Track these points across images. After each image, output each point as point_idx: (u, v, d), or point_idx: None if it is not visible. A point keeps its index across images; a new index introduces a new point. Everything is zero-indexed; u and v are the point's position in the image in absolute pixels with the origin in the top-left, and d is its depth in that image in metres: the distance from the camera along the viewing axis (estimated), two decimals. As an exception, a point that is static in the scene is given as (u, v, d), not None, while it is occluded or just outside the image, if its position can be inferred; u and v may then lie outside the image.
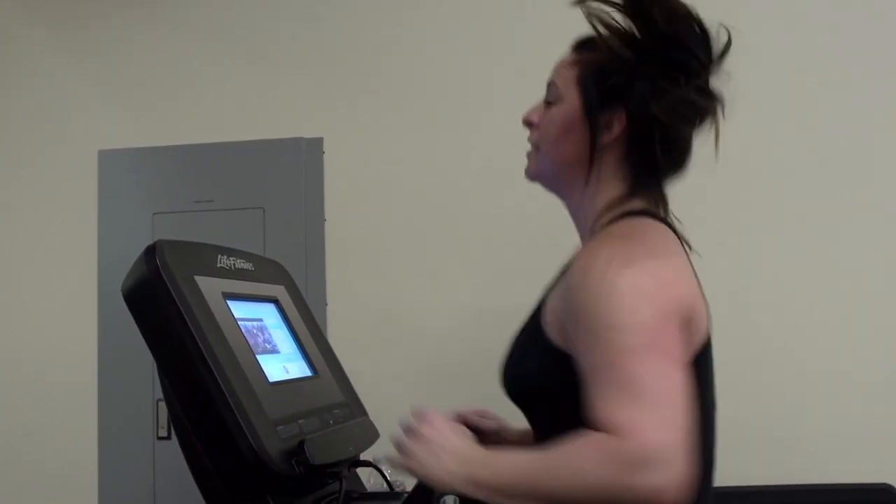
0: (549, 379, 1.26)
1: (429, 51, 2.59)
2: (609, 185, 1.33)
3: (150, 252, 1.19)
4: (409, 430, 1.20)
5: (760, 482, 2.15)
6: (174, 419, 1.25)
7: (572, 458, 1.08)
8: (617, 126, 1.31)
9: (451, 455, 1.16)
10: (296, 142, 2.57)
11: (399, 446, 1.19)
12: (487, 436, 1.64)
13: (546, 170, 1.40)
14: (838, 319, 2.34)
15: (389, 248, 2.56)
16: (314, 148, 2.58)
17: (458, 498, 1.20)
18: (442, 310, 2.49)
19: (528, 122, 1.42)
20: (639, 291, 1.15)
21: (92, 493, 2.55)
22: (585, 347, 1.15)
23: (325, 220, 2.57)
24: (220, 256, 1.36)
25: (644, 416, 1.05)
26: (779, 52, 2.40)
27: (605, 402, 1.08)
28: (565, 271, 1.30)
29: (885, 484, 2.21)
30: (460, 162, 2.53)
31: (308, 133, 2.59)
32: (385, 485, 1.52)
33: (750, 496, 2.15)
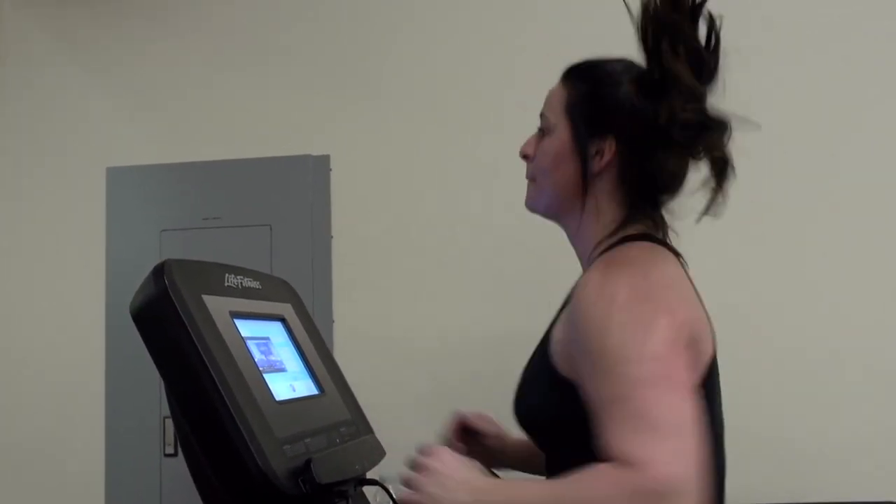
0: (558, 410, 1.27)
1: (437, 70, 2.60)
2: (606, 212, 1.34)
3: (159, 272, 1.20)
4: (416, 466, 1.21)
5: (763, 500, 2.14)
6: (181, 437, 1.25)
7: (584, 491, 1.08)
8: (608, 152, 1.32)
9: (461, 485, 1.17)
10: (303, 159, 2.59)
11: (408, 482, 1.20)
12: (487, 439, 1.64)
13: (543, 200, 1.42)
14: (844, 335, 2.33)
15: (396, 265, 2.56)
16: (321, 165, 2.59)
17: None
18: (450, 327, 2.49)
19: (524, 156, 1.45)
20: (644, 321, 1.15)
21: (99, 510, 2.56)
22: (594, 379, 1.15)
23: (332, 237, 2.58)
24: (227, 275, 1.36)
25: (657, 448, 1.05)
26: (779, 53, 2.40)
27: (618, 435, 1.08)
28: (569, 300, 1.31)
29: (890, 503, 2.20)
30: (468, 180, 2.54)
31: (315, 151, 2.60)
32: (391, 503, 1.51)
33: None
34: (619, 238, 1.31)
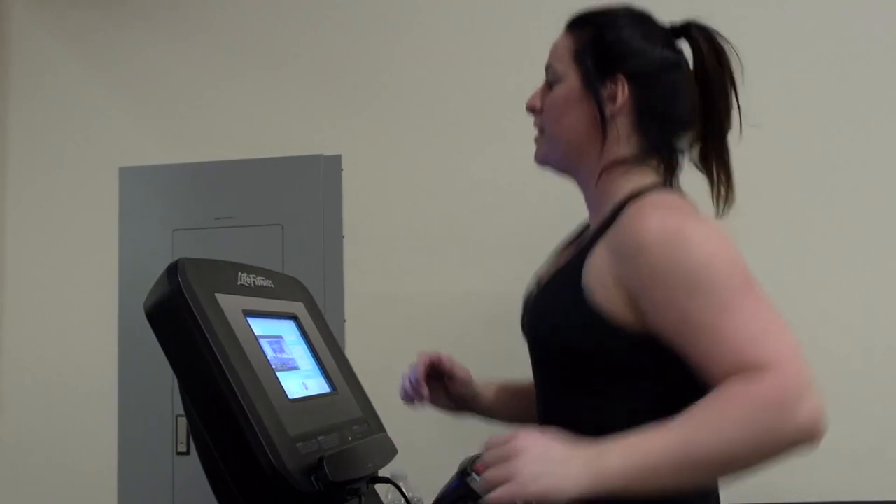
0: (589, 344, 1.26)
1: (448, 69, 2.60)
2: (624, 156, 1.35)
3: (172, 271, 1.21)
4: (497, 457, 1.08)
5: (764, 500, 2.13)
6: (194, 435, 1.26)
7: (716, 421, 1.04)
8: (621, 95, 1.33)
9: (567, 457, 1.06)
10: (315, 159, 2.59)
11: (496, 476, 1.06)
12: (455, 383, 1.63)
13: (554, 151, 1.41)
14: (846, 334, 2.32)
15: (408, 265, 2.56)
16: (333, 165, 2.60)
17: None
18: (463, 326, 2.49)
19: (531, 108, 1.44)
20: (713, 238, 1.18)
21: (111, 508, 2.58)
22: (680, 305, 1.14)
23: (344, 236, 2.59)
24: (240, 274, 1.37)
25: (779, 347, 1.07)
26: (780, 53, 2.40)
27: (733, 347, 1.08)
28: (591, 243, 1.30)
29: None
30: (480, 178, 2.54)
31: (327, 151, 2.60)
32: (403, 501, 1.52)
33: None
34: (646, 185, 1.32)
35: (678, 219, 1.21)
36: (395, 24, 2.66)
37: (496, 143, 2.52)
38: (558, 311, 1.32)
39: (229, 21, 2.75)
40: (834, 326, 2.31)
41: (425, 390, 1.60)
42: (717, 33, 1.38)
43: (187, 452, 2.53)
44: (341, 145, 2.61)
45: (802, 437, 1.03)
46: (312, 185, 2.58)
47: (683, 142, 1.39)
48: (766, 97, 2.24)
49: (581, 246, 1.36)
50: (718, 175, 1.40)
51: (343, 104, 2.65)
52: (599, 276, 1.25)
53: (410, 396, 1.62)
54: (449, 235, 2.55)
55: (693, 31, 1.38)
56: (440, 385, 1.64)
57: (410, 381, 1.61)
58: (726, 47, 1.37)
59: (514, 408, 1.65)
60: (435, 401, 1.65)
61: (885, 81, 2.37)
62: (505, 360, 1.71)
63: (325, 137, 2.63)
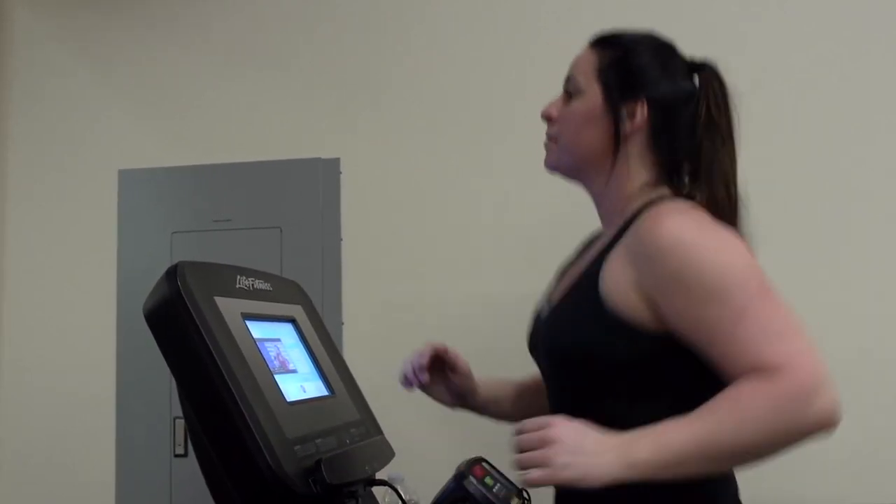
0: (612, 349, 1.29)
1: (447, 73, 2.60)
2: (637, 173, 1.39)
3: (172, 273, 1.21)
4: (530, 442, 1.14)
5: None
6: (193, 437, 1.26)
7: (737, 412, 1.12)
8: (640, 115, 1.38)
9: (599, 446, 1.13)
10: (313, 162, 2.60)
11: (528, 461, 1.13)
12: (457, 376, 1.66)
13: (567, 160, 1.46)
14: (846, 335, 2.32)
15: (405, 268, 2.57)
16: (331, 168, 2.60)
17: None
18: (460, 331, 2.48)
19: (547, 116, 1.48)
20: (728, 242, 1.23)
21: (109, 510, 2.58)
22: (697, 309, 1.19)
23: (342, 239, 2.59)
24: (239, 277, 1.38)
25: (794, 348, 1.13)
26: (781, 53, 2.41)
27: (750, 350, 1.14)
28: (606, 251, 1.34)
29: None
30: (479, 182, 2.54)
31: (325, 154, 2.61)
32: (400, 504, 1.52)
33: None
34: (657, 197, 1.36)
35: (694, 224, 1.25)
36: (394, 27, 2.66)
37: (495, 146, 2.53)
38: (579, 323, 1.34)
39: (228, 25, 2.76)
40: (832, 330, 2.32)
41: (425, 377, 1.63)
42: (726, 82, 1.42)
43: (185, 454, 2.54)
44: (340, 148, 2.62)
45: (819, 428, 1.11)
46: (311, 188, 2.59)
47: (693, 165, 1.42)
48: (766, 97, 2.25)
49: (593, 258, 1.39)
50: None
51: (341, 107, 2.66)
52: (618, 283, 1.28)
53: (410, 381, 1.64)
54: (447, 239, 2.55)
55: (707, 71, 1.43)
56: (441, 376, 1.66)
57: (413, 366, 1.63)
58: (732, 95, 1.42)
59: (510, 405, 1.67)
60: (432, 390, 1.67)
61: (885, 82, 2.38)
62: (503, 364, 1.72)
63: (323, 141, 2.64)
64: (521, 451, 1.15)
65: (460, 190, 2.56)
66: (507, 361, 1.69)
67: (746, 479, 1.40)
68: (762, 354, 1.12)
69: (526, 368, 1.61)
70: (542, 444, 1.13)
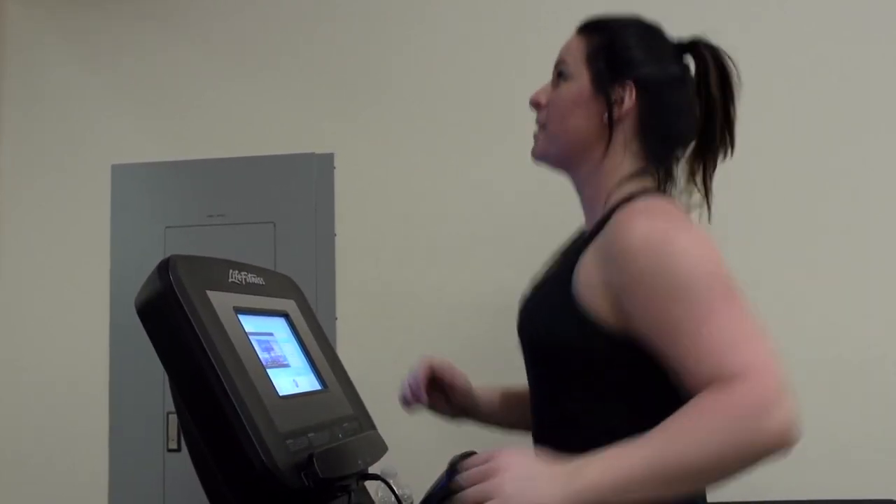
0: (577, 345, 1.28)
1: (442, 67, 2.60)
2: (622, 161, 1.38)
3: (164, 267, 1.21)
4: (476, 475, 1.10)
5: (757, 498, 2.14)
6: (185, 431, 1.26)
7: (695, 430, 1.06)
8: (628, 100, 1.36)
9: (545, 475, 1.08)
10: (307, 157, 2.60)
11: (477, 495, 1.08)
12: (455, 393, 1.65)
13: (554, 148, 1.44)
14: (841, 329, 2.33)
15: (399, 263, 2.57)
16: (325, 163, 2.60)
17: None
18: (454, 326, 2.49)
19: (535, 103, 1.47)
20: (698, 245, 1.20)
21: (102, 505, 2.58)
22: (658, 310, 1.17)
23: (336, 234, 2.59)
24: (231, 271, 1.38)
25: (754, 356, 1.09)
26: (780, 53, 2.41)
27: (711, 354, 1.10)
28: (583, 245, 1.33)
29: (889, 501, 2.20)
30: (472, 176, 2.54)
31: (319, 149, 2.61)
32: (393, 498, 1.53)
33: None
34: (635, 191, 1.34)
35: (664, 225, 1.23)
36: (389, 23, 2.66)
37: (489, 141, 2.53)
38: (550, 312, 1.34)
39: (222, 19, 2.75)
40: (832, 329, 2.33)
41: (424, 396, 1.62)
42: (724, 53, 1.41)
43: (178, 450, 2.54)
44: (334, 143, 2.62)
45: (776, 445, 1.04)
46: (305, 182, 2.59)
47: (680, 153, 1.42)
48: (765, 98, 2.26)
49: (574, 249, 1.38)
50: (705, 187, 1.44)
51: (335, 102, 2.65)
52: (588, 278, 1.27)
53: (409, 401, 1.64)
54: (440, 233, 2.55)
55: (700, 48, 1.41)
56: (440, 393, 1.66)
57: (410, 386, 1.62)
58: (731, 68, 1.41)
59: (513, 414, 1.66)
60: (434, 407, 1.66)
61: (884, 82, 2.38)
62: (498, 360, 1.72)
63: (317, 135, 2.63)
64: (469, 485, 1.10)
65: (454, 185, 2.55)
66: (501, 357, 1.69)
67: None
68: (722, 360, 1.08)
69: (521, 365, 1.61)
70: (489, 475, 1.09)
